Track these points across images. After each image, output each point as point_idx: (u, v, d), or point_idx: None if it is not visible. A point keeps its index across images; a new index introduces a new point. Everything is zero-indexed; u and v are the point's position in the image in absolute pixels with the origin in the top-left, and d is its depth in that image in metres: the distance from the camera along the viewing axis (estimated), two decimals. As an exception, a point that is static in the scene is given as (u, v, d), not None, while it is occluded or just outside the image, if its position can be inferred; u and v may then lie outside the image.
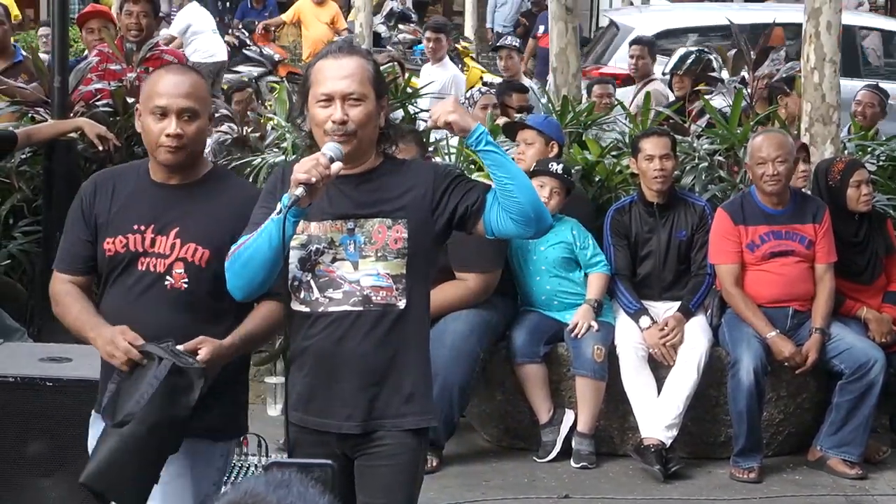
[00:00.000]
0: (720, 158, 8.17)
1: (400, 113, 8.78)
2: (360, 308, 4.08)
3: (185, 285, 4.23)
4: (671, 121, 8.91)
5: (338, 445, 4.14)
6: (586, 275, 7.31)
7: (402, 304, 4.08)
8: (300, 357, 4.17)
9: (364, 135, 4.07)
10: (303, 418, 4.16)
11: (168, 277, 4.24)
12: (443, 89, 11.52)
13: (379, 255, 4.08)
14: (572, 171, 7.51)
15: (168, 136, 4.24)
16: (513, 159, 4.27)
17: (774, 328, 7.02)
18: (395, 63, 11.11)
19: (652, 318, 7.18)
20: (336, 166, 3.95)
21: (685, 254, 7.36)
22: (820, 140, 7.83)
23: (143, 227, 4.26)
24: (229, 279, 4.12)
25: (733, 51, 9.47)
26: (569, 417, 7.17)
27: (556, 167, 7.24)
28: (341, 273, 4.10)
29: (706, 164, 8.08)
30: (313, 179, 3.89)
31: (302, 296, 4.14)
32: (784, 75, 9.63)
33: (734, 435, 7.00)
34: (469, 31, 17.88)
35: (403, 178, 4.13)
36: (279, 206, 3.97)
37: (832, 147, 7.88)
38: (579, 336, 7.10)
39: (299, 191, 3.90)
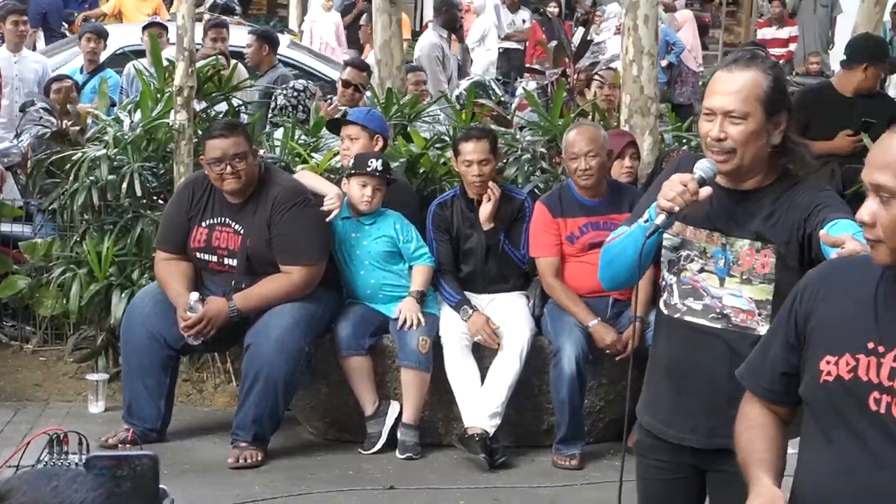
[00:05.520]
0: (542, 150, 8.27)
1: (224, 106, 8.73)
2: (719, 325, 4.00)
3: None
4: (495, 113, 9.01)
5: (687, 455, 4.09)
6: (411, 267, 7.35)
7: (762, 329, 3.89)
8: (656, 358, 4.18)
9: (745, 153, 3.87)
10: (650, 423, 4.14)
11: None
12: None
13: (744, 277, 3.95)
14: (393, 164, 7.55)
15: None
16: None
17: (596, 317, 7.12)
18: (221, 56, 11.00)
19: (473, 307, 7.24)
20: (705, 191, 3.84)
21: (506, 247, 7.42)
22: (639, 131, 7.97)
23: (880, 348, 3.01)
24: (600, 267, 4.17)
25: (553, 43, 9.60)
26: (394, 409, 7.20)
27: (375, 163, 7.26)
28: (705, 285, 4.01)
29: (529, 155, 8.18)
30: (677, 209, 3.81)
31: (665, 297, 4.09)
32: (604, 67, 9.82)
33: (556, 423, 7.10)
34: (293, 23, 17.80)
35: (785, 201, 3.90)
36: (646, 213, 3.91)
37: (650, 138, 8.03)
38: (405, 328, 7.14)
39: (661, 220, 3.83)
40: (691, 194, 3.81)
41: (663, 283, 4.11)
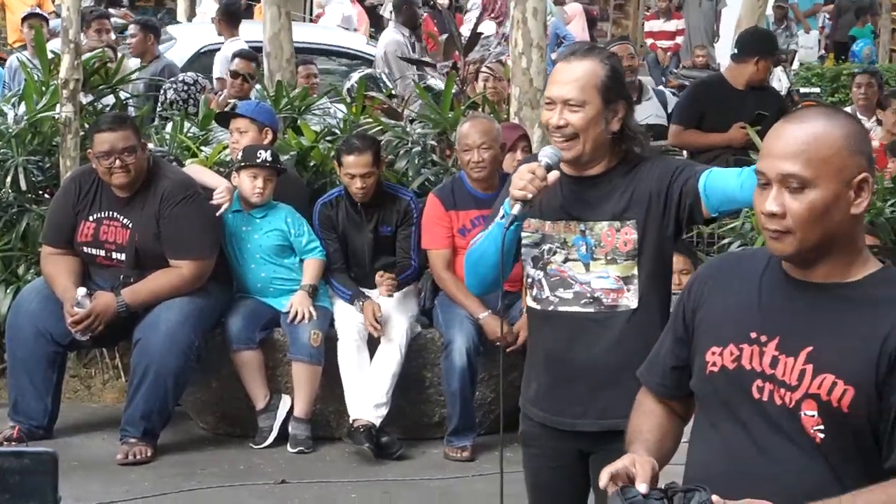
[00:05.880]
0: (433, 143, 8.27)
1: (111, 99, 8.63)
2: (591, 309, 4.05)
3: (821, 436, 2.96)
4: (386, 106, 9.00)
5: (573, 441, 4.14)
6: (302, 260, 7.33)
7: (633, 303, 4.05)
8: (534, 353, 4.21)
9: (586, 139, 3.98)
10: (538, 414, 4.18)
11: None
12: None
13: (608, 258, 4.04)
14: (283, 158, 7.52)
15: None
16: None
17: (487, 309, 7.13)
18: (108, 48, 10.88)
19: (367, 297, 7.23)
20: (553, 175, 3.93)
21: (392, 247, 7.42)
22: (528, 123, 7.99)
23: (763, 337, 3.06)
24: (465, 274, 4.23)
25: (445, 35, 9.61)
26: (285, 403, 7.17)
27: (264, 154, 7.23)
28: (572, 274, 4.06)
29: (419, 148, 8.18)
30: (529, 196, 3.88)
31: (534, 293, 4.12)
32: (494, 60, 9.86)
33: (448, 415, 7.11)
34: (181, 15, 17.64)
35: (634, 178, 4.03)
36: (501, 209, 3.99)
37: (540, 131, 8.05)
38: (297, 322, 7.11)
39: (517, 209, 3.89)
40: (540, 179, 3.92)
41: (529, 280, 4.18)
